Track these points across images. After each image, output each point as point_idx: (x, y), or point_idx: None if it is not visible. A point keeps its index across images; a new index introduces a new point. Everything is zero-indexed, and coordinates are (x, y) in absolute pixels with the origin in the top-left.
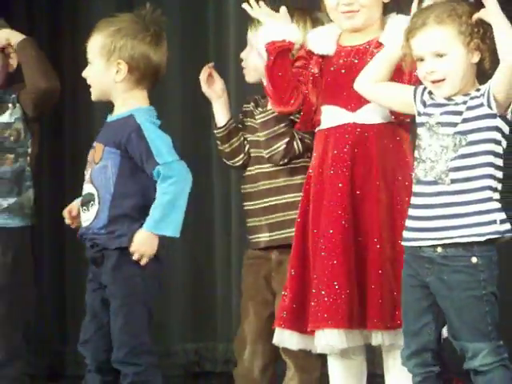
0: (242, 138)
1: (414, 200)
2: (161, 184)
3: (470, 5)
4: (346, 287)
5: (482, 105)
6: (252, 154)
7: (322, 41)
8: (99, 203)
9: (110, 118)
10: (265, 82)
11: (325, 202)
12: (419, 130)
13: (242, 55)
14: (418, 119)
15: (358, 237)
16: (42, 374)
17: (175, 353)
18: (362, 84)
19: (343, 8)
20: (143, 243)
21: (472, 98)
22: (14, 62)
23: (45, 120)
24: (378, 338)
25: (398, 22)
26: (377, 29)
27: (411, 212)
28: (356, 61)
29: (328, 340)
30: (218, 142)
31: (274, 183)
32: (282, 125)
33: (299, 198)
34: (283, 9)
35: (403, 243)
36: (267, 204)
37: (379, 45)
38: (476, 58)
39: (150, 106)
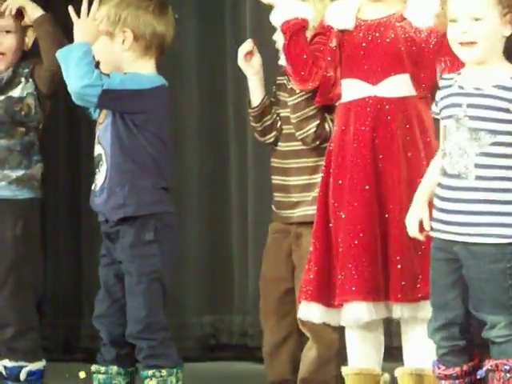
0: (275, 116)
1: (439, 191)
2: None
3: None
4: (372, 260)
5: (508, 111)
6: (284, 131)
7: (340, 15)
8: (107, 162)
9: None
10: (284, 62)
11: (348, 176)
12: (446, 122)
13: (274, 37)
14: (446, 111)
15: (380, 210)
16: (57, 347)
17: (191, 325)
18: None
19: None
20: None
21: (501, 99)
22: (29, 40)
23: (60, 94)
24: (397, 310)
25: None
26: (398, 1)
27: (436, 203)
28: (377, 34)
29: (357, 313)
30: (251, 119)
31: (304, 162)
32: (313, 107)
33: None
34: None
35: (430, 233)
36: (295, 182)
37: (403, 19)
38: (508, 31)
39: (159, 76)
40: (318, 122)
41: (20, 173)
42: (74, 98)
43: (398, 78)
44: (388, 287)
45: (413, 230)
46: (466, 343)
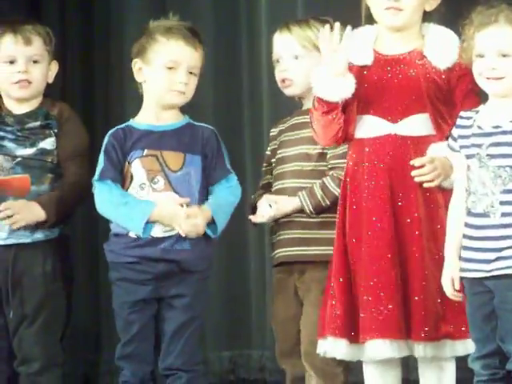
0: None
1: (465, 230)
2: (230, 195)
3: None
4: (392, 298)
5: None
6: (284, 169)
7: (359, 49)
8: None
9: (160, 127)
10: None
11: (365, 214)
12: (468, 161)
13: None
14: (467, 151)
15: (400, 248)
16: (75, 383)
17: (210, 361)
18: None
19: (389, 3)
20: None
21: None
22: (52, 73)
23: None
24: (420, 349)
25: (440, 34)
26: (416, 36)
27: (464, 242)
28: (397, 71)
29: (377, 350)
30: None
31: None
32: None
33: (332, 220)
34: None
35: (460, 273)
36: (297, 219)
37: (422, 57)
38: None
39: None
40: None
41: None
42: None
43: (418, 117)
44: (410, 326)
45: (449, 291)
46: (505, 373)
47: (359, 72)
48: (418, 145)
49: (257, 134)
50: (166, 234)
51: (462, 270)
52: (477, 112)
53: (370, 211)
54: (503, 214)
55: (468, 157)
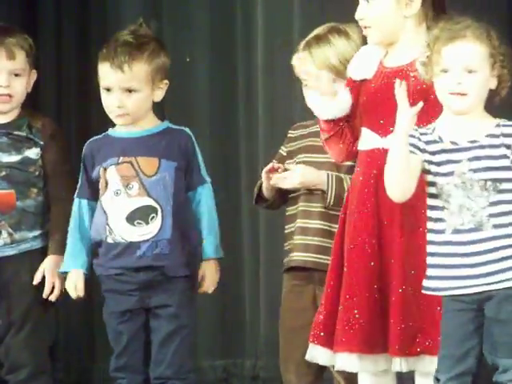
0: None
1: (450, 249)
2: (208, 202)
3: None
4: (367, 314)
5: (506, 156)
6: None
7: (362, 65)
8: (162, 217)
9: (136, 134)
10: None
11: (352, 225)
12: (445, 179)
13: (294, 62)
14: (442, 169)
15: (381, 262)
16: None
17: (203, 369)
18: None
19: (360, 23)
20: (215, 273)
21: (497, 147)
22: (31, 81)
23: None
24: (396, 364)
25: None
26: (416, 46)
27: (448, 261)
28: (390, 84)
29: (345, 363)
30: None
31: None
32: None
33: None
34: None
35: (438, 293)
36: (319, 226)
37: (415, 69)
38: (493, 84)
39: None
40: None
41: (37, 233)
42: None
43: None
44: (387, 340)
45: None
46: None
47: (359, 87)
48: None
49: (252, 144)
50: (141, 238)
51: (452, 288)
52: (433, 129)
53: (355, 222)
54: (494, 226)
55: (445, 175)
